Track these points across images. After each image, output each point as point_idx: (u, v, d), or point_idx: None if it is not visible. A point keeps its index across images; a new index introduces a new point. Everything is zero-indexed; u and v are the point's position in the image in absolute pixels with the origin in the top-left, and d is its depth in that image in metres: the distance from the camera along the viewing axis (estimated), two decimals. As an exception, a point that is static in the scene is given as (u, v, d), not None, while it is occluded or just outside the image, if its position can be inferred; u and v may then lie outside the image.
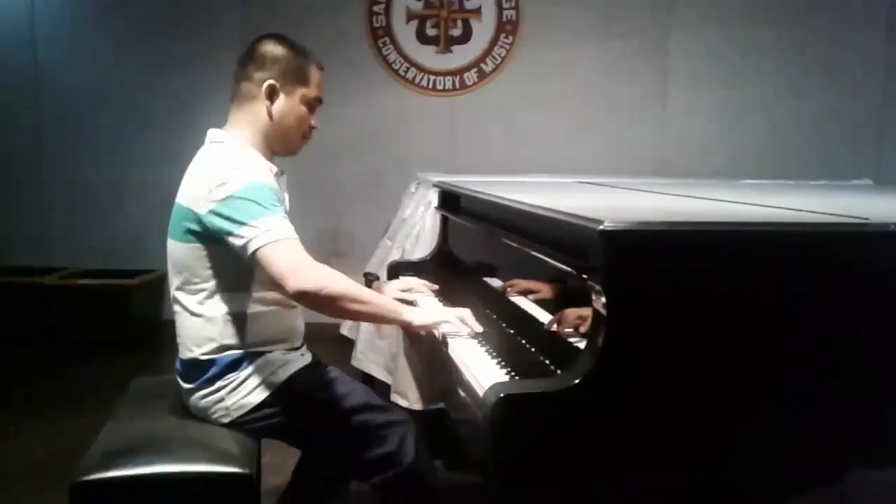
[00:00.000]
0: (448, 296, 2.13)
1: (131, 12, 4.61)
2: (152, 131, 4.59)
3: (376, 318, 1.76)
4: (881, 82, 4.53)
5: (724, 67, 4.55)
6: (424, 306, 2.02)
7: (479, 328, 1.68)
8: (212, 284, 1.67)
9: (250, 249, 1.54)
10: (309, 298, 1.55)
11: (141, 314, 4.43)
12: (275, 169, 1.76)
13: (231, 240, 1.56)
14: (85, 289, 4.34)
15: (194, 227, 1.64)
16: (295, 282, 1.52)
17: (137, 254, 4.46)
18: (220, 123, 1.78)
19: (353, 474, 1.83)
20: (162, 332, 4.43)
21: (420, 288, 2.16)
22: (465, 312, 1.72)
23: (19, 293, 4.36)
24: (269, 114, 1.73)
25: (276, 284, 1.56)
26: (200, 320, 1.68)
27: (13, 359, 4.09)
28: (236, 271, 1.64)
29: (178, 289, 1.71)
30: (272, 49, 1.74)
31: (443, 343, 1.67)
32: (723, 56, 4.54)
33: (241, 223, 1.54)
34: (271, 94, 1.73)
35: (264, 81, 1.72)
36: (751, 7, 4.49)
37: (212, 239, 1.62)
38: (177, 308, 1.73)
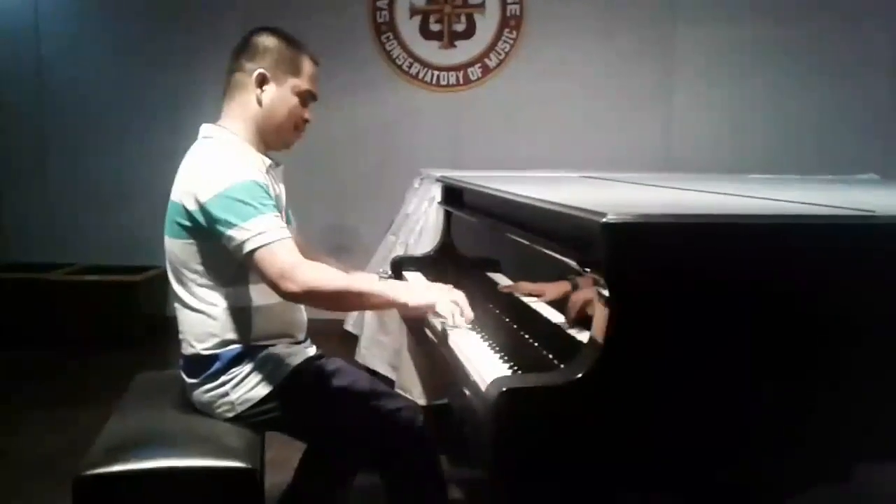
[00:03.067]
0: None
1: (134, 10, 4.62)
2: (156, 127, 4.58)
3: (374, 307, 1.83)
4: (888, 78, 4.48)
5: (730, 62, 4.51)
6: (414, 283, 2.01)
7: (470, 314, 1.65)
8: (208, 279, 1.67)
9: (243, 251, 1.54)
10: (304, 298, 1.58)
11: (146, 310, 4.44)
12: (268, 162, 1.75)
13: (223, 241, 1.57)
14: (90, 285, 4.36)
15: (185, 222, 1.64)
16: (288, 285, 1.53)
17: (143, 249, 4.42)
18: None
19: (361, 461, 1.84)
20: (167, 327, 4.39)
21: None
22: (459, 295, 1.68)
23: (25, 289, 4.37)
24: (259, 101, 1.72)
25: (270, 285, 1.57)
26: (200, 316, 1.69)
27: (18, 354, 4.10)
28: (231, 267, 1.64)
29: (177, 285, 1.71)
30: (264, 40, 1.74)
31: (443, 336, 1.66)
32: (728, 51, 4.50)
33: (233, 224, 1.54)
34: (261, 83, 1.72)
35: (255, 70, 1.72)
36: (756, 2, 4.46)
37: (203, 234, 1.62)
38: (177, 304, 1.73)
